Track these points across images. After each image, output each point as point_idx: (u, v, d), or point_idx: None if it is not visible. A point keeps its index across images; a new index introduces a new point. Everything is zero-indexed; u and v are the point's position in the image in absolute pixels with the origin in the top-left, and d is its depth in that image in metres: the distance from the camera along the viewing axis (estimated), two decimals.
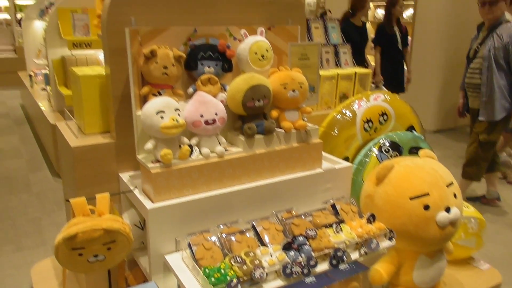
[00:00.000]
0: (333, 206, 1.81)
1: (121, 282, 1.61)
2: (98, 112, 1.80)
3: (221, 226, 1.58)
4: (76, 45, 3.61)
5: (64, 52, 3.87)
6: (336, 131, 2.24)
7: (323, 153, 1.96)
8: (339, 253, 1.52)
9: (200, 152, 1.61)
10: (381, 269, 1.83)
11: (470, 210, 2.24)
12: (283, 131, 1.77)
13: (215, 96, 1.70)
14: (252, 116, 1.72)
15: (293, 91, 1.75)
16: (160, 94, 1.59)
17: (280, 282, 1.41)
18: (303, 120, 1.85)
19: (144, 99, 1.64)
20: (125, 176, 1.76)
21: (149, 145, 1.52)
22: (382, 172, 1.82)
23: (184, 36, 1.75)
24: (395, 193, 1.77)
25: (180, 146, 1.59)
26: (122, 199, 1.79)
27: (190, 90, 1.73)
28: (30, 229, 2.80)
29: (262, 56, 1.80)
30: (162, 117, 1.49)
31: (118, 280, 1.61)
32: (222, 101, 1.71)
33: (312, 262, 1.46)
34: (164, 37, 1.69)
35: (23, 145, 4.75)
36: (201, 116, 1.59)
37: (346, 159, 2.22)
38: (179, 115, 1.53)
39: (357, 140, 2.26)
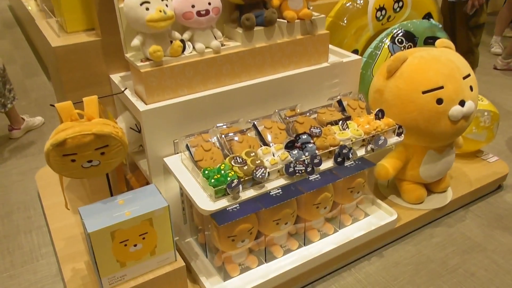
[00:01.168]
0: (340, 102, 1.70)
1: (121, 186, 1.58)
2: (79, 6, 1.62)
3: (222, 125, 1.50)
4: None
5: None
6: (345, 21, 2.04)
7: (330, 46, 1.80)
8: (344, 151, 1.45)
9: (194, 48, 1.46)
10: (388, 165, 1.78)
11: (484, 103, 2.13)
12: (285, 21, 1.59)
13: None
14: (251, 5, 1.53)
15: None
16: None
17: (283, 181, 1.37)
18: (308, 8, 1.66)
19: None
20: (116, 77, 1.64)
21: (136, 41, 1.37)
22: (394, 65, 1.68)
23: None
24: (406, 87, 1.65)
25: (171, 42, 1.44)
26: (116, 102, 1.69)
27: None
28: (32, 136, 2.77)
29: None
30: (147, 9, 1.31)
31: (118, 183, 1.58)
32: None
33: (316, 161, 1.40)
34: None
35: (15, 50, 4.55)
36: (193, 6, 1.41)
37: (356, 52, 2.05)
38: (167, 5, 1.35)
39: (368, 30, 2.07)
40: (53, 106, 1.29)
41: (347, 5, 2.05)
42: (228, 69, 1.53)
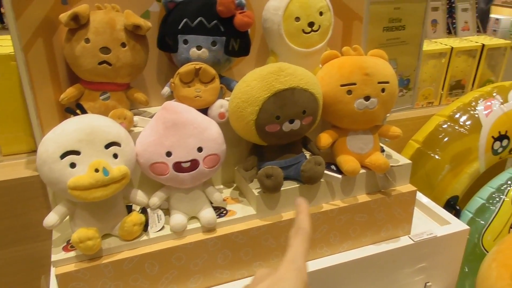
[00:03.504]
0: None
1: None
2: (23, 118, 1.06)
3: None
4: None
5: None
6: (438, 151, 1.31)
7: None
8: None
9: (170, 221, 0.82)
10: None
11: None
12: (338, 176, 0.90)
13: (207, 106, 0.88)
14: (279, 147, 0.88)
15: (366, 99, 0.87)
16: (81, 110, 0.78)
17: None
18: (383, 151, 0.97)
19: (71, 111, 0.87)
20: None
21: (54, 217, 0.75)
22: None
23: None
24: None
25: (128, 209, 0.82)
26: None
27: (166, 90, 0.92)
28: None
29: (310, 25, 0.93)
30: (72, 165, 0.70)
31: None
32: (221, 114, 0.89)
33: None
34: None
35: None
36: (168, 154, 0.78)
37: (455, 199, 1.31)
38: (116, 156, 0.74)
39: (476, 167, 1.32)
40: None
41: (443, 126, 1.33)
42: (229, 258, 0.86)
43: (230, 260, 0.86)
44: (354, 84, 0.86)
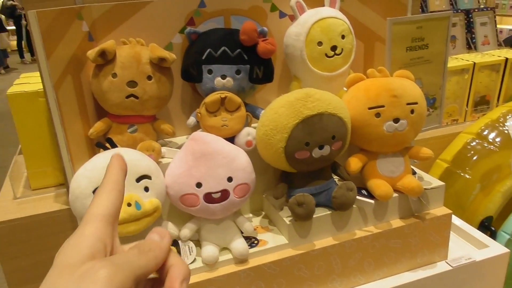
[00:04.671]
0: None
1: None
2: (50, 153, 1.07)
3: None
4: None
5: None
6: (467, 170, 1.28)
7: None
8: None
9: (201, 253, 0.81)
10: None
11: None
12: (371, 201, 0.88)
13: (234, 134, 0.88)
14: (308, 174, 0.86)
15: (395, 121, 0.85)
16: (110, 144, 0.79)
17: None
18: (414, 174, 0.95)
19: (101, 146, 0.87)
20: None
21: None
22: None
23: (180, 17, 0.93)
24: None
25: None
26: None
27: (192, 120, 0.92)
28: None
29: (333, 48, 0.92)
30: None
31: None
32: (249, 142, 0.88)
33: None
34: (139, 22, 0.89)
35: None
36: (198, 185, 0.77)
37: (489, 220, 1.26)
38: (147, 189, 0.73)
39: (509, 184, 1.28)
40: None
41: (472, 144, 1.30)
42: None
43: None
44: (383, 106, 0.85)
